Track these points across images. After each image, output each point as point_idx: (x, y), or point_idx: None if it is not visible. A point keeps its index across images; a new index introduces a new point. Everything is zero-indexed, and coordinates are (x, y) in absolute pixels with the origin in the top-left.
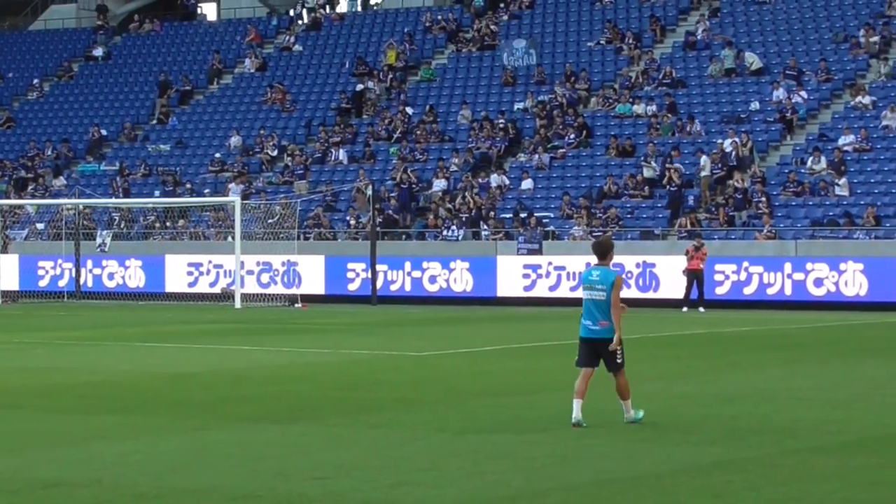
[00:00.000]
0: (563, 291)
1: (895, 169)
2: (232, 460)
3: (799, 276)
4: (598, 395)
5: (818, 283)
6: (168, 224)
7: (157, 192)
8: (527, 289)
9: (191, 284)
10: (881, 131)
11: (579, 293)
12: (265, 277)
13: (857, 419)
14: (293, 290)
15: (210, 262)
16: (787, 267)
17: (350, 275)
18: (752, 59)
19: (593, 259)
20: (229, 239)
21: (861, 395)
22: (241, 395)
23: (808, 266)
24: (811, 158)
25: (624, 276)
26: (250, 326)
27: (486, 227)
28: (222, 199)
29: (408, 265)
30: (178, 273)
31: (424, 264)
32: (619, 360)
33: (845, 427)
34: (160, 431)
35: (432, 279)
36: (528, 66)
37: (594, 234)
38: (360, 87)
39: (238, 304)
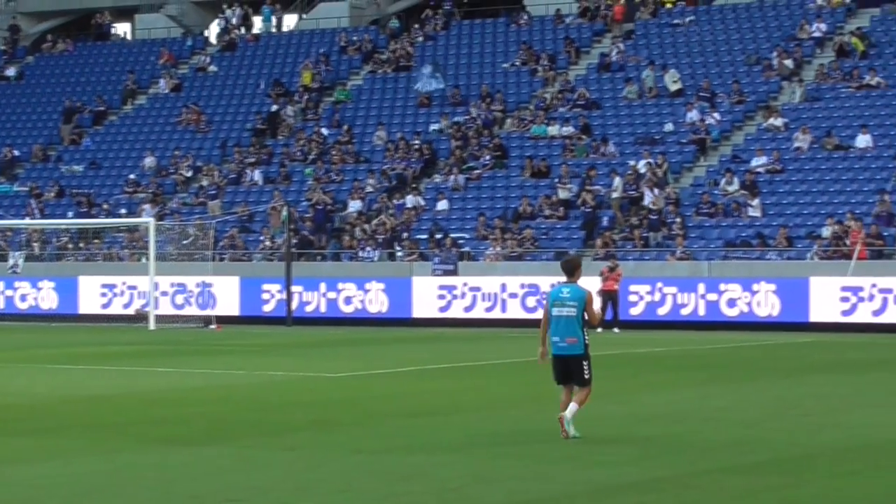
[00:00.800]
0: (479, 312)
1: (807, 190)
2: (145, 483)
3: (712, 296)
4: (515, 416)
5: (731, 303)
6: (81, 245)
7: (70, 213)
8: (442, 310)
9: (104, 306)
10: (793, 153)
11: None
12: (179, 299)
13: (768, 439)
14: (208, 312)
15: (124, 283)
16: (701, 287)
17: (265, 296)
18: (675, 78)
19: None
20: (143, 260)
21: (773, 415)
22: (155, 418)
23: (722, 287)
24: (724, 180)
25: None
26: (164, 348)
27: (401, 248)
28: (136, 220)
29: (323, 286)
30: (92, 294)
31: (340, 285)
32: (585, 376)
33: (757, 447)
34: (72, 454)
35: (347, 300)
36: (436, 90)
37: (511, 255)
38: (274, 107)
39: (152, 325)
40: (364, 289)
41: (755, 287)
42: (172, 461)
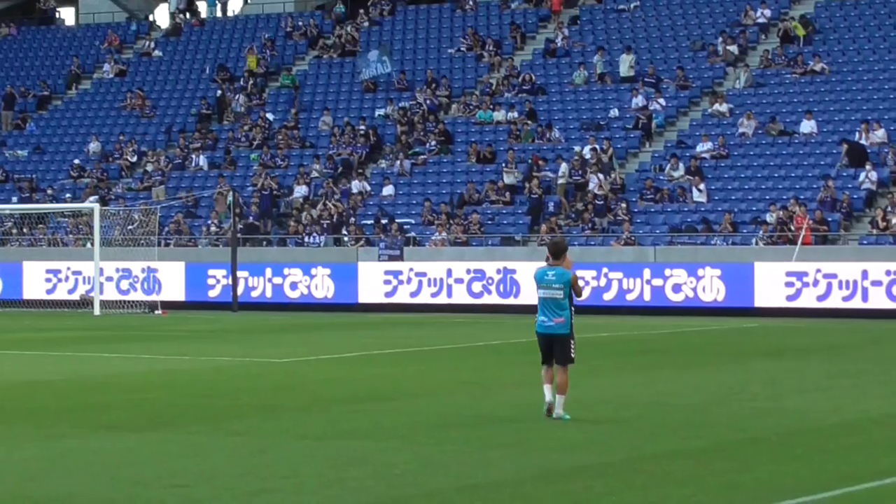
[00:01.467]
0: (425, 298)
1: (752, 176)
2: (90, 468)
3: (658, 281)
4: (461, 401)
5: (676, 288)
6: (25, 231)
7: (14, 199)
8: (388, 295)
9: (49, 291)
10: (738, 138)
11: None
12: (125, 284)
13: (714, 424)
14: (153, 297)
15: (69, 268)
16: (646, 273)
17: (210, 281)
18: (631, 63)
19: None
20: (88, 245)
21: (718, 400)
22: (100, 403)
23: (667, 272)
24: (668, 165)
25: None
26: (109, 333)
27: (347, 233)
28: (81, 206)
29: (269, 272)
30: (36, 280)
31: (286, 271)
32: (571, 355)
33: (703, 432)
34: (16, 440)
35: (293, 286)
36: (384, 76)
37: (457, 240)
38: (219, 93)
39: (97, 310)
40: (310, 274)
41: (700, 272)
42: (117, 447)
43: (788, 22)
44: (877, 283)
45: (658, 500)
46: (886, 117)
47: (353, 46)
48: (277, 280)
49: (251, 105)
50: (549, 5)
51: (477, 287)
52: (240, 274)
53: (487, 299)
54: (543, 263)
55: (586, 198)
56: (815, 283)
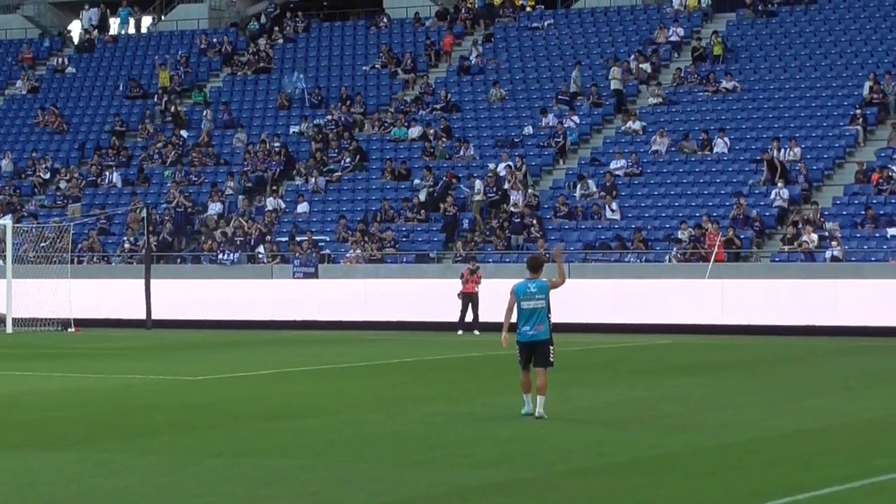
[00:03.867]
0: (340, 315)
1: (665, 193)
2: (1, 488)
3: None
4: (376, 418)
5: (592, 305)
6: None
7: None
8: (302, 312)
9: None
10: (651, 156)
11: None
12: (37, 302)
13: (629, 440)
14: (66, 315)
15: None
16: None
17: (124, 299)
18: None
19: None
20: (0, 262)
21: (633, 417)
22: (10, 421)
23: (582, 289)
24: (581, 183)
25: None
26: (21, 351)
27: (262, 250)
28: None
29: (183, 289)
30: None
31: (200, 287)
32: (550, 359)
33: (618, 448)
34: None
35: (208, 303)
36: (301, 91)
37: (371, 258)
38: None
39: (9, 328)
40: (225, 291)
41: (615, 289)
42: (29, 466)
43: (703, 40)
44: (788, 300)
45: None
46: (798, 135)
47: (268, 63)
48: (192, 295)
49: (165, 122)
50: (442, 47)
51: (392, 304)
52: (154, 291)
53: (402, 316)
54: (521, 279)
55: (501, 215)
56: (729, 299)
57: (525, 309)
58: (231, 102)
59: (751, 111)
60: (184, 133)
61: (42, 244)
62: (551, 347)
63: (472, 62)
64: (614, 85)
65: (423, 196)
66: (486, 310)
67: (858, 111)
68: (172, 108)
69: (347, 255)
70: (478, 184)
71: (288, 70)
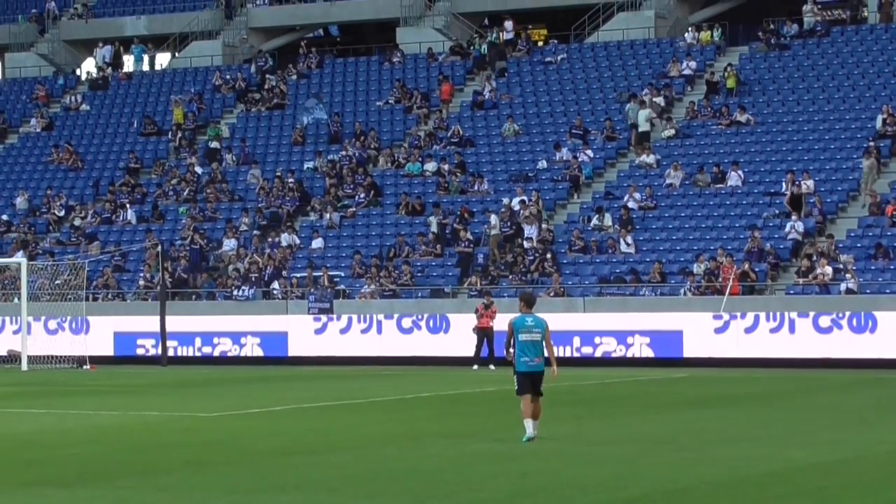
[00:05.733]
0: (355, 350)
1: (679, 226)
2: None
3: (587, 332)
4: (391, 453)
5: (606, 339)
6: None
7: None
8: (318, 348)
9: None
10: (665, 189)
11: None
12: (53, 339)
13: (645, 474)
14: (81, 352)
15: None
16: (576, 324)
17: (140, 336)
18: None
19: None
20: (15, 300)
21: (647, 451)
22: (26, 459)
23: (596, 323)
24: (596, 216)
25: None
26: (37, 389)
27: (277, 286)
28: (8, 260)
29: (198, 341)
30: None
31: (215, 340)
32: (541, 389)
33: (633, 482)
34: None
35: (223, 339)
36: (323, 120)
37: (385, 292)
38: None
39: (25, 366)
40: (239, 326)
41: (629, 321)
42: (45, 503)
43: (716, 74)
44: (804, 333)
45: None
46: (811, 168)
47: (282, 99)
48: (207, 349)
49: (179, 158)
50: (439, 94)
51: (407, 339)
52: (169, 327)
53: (417, 351)
54: (517, 314)
55: (516, 249)
56: (743, 332)
57: (523, 341)
58: (245, 138)
59: (764, 144)
60: (198, 169)
61: (57, 281)
62: (542, 378)
63: (486, 97)
64: (643, 127)
65: (434, 227)
66: (501, 344)
67: (872, 143)
68: (190, 144)
69: (362, 290)
70: (493, 218)
71: (301, 105)
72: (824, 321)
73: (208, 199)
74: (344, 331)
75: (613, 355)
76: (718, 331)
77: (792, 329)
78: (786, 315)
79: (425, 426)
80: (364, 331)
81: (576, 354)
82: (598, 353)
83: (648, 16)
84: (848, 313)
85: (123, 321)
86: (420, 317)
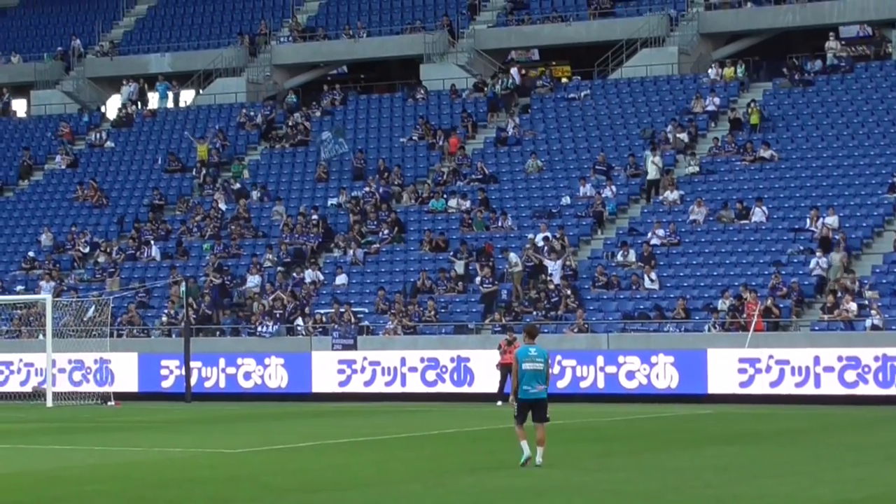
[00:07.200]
0: (378, 387)
1: (703, 262)
2: None
3: (611, 368)
4: (414, 490)
5: (630, 375)
6: None
7: None
8: (342, 384)
9: (1, 383)
10: (689, 225)
11: (394, 388)
12: (77, 375)
13: None
14: (106, 388)
15: (20, 360)
16: (600, 360)
17: (164, 372)
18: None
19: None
20: (40, 337)
21: (673, 487)
22: (52, 496)
23: (620, 359)
24: (620, 252)
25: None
26: (62, 425)
27: (300, 322)
28: (33, 297)
29: (222, 361)
30: None
31: (239, 360)
32: (547, 416)
33: None
34: None
35: (247, 375)
36: (342, 155)
37: (405, 330)
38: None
39: (49, 402)
40: (263, 364)
41: (653, 359)
42: None
43: (744, 109)
44: (829, 369)
45: None
46: (836, 204)
47: (305, 136)
48: (231, 370)
49: (203, 195)
50: (447, 147)
51: (431, 375)
52: (193, 364)
53: (441, 388)
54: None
55: (539, 285)
56: (768, 369)
57: (526, 370)
58: (269, 175)
59: (788, 180)
60: (222, 205)
61: (82, 318)
62: (547, 405)
63: (510, 133)
64: (652, 174)
65: (459, 269)
66: None
67: None
68: (214, 181)
69: (386, 326)
70: (513, 256)
71: (319, 140)
72: (849, 357)
73: (232, 235)
74: (367, 367)
75: (637, 392)
76: (743, 367)
77: (817, 365)
78: (810, 351)
79: (449, 462)
80: (388, 367)
81: (599, 390)
82: (621, 390)
83: (672, 52)
84: (873, 349)
85: (148, 357)
86: (444, 369)
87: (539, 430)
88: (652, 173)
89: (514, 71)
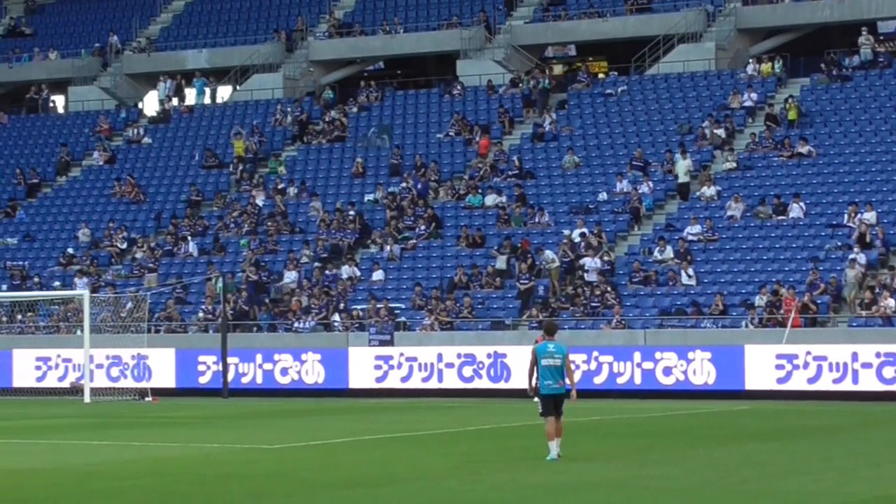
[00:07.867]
0: (415, 382)
1: (740, 258)
2: None
3: (648, 364)
4: (451, 486)
5: (667, 371)
6: (19, 317)
7: (4, 286)
8: (379, 380)
9: (39, 379)
10: (726, 221)
11: (431, 384)
12: (115, 371)
13: None
14: (143, 384)
15: (59, 356)
16: (637, 356)
17: (201, 367)
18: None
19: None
20: (78, 333)
21: (710, 483)
22: (88, 491)
23: (657, 355)
24: (657, 248)
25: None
26: (99, 421)
27: (337, 318)
28: (71, 293)
29: (259, 357)
30: (26, 368)
31: (276, 356)
32: (562, 409)
33: None
34: None
35: (284, 371)
36: (380, 149)
37: (442, 325)
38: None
39: (87, 398)
40: (300, 360)
41: (691, 355)
42: None
43: (781, 105)
44: (867, 366)
45: None
46: (874, 199)
47: (342, 132)
48: (268, 366)
49: (240, 191)
50: (477, 149)
51: (468, 371)
52: (230, 360)
53: (478, 384)
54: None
55: (577, 281)
56: (806, 365)
57: (546, 366)
58: (306, 171)
59: (826, 176)
60: (259, 201)
61: (121, 314)
62: (565, 400)
63: (546, 129)
64: (682, 178)
65: (501, 264)
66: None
67: None
68: (251, 177)
69: (423, 322)
70: (549, 253)
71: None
72: (888, 353)
73: (269, 231)
74: (404, 363)
75: (674, 388)
76: (780, 363)
77: (855, 361)
78: (848, 347)
79: (486, 458)
80: (425, 363)
81: (636, 386)
82: (658, 386)
83: (709, 48)
84: None
85: (185, 353)
86: (481, 365)
87: (557, 423)
88: (682, 176)
89: (545, 73)
